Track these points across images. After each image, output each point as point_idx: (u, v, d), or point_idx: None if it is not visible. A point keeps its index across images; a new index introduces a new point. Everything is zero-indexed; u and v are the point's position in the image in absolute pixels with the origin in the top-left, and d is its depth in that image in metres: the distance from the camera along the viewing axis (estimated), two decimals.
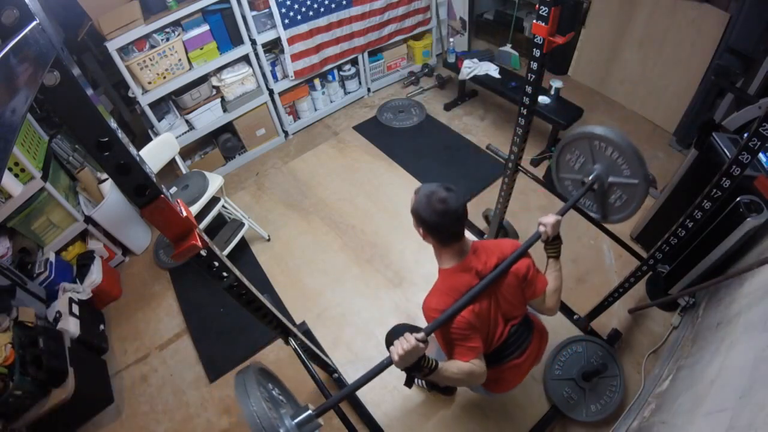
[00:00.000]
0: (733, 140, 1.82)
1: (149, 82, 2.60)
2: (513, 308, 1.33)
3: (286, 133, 3.53)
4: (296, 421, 1.10)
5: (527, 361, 1.43)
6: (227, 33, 2.78)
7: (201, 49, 2.71)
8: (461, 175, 3.01)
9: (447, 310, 1.17)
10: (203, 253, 1.02)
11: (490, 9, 4.12)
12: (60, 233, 2.42)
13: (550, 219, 1.35)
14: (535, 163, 3.05)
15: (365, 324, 2.28)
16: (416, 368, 1.12)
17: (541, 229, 1.38)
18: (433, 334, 1.19)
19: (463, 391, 1.97)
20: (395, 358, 1.08)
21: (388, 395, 2.00)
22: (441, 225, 1.17)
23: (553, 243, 1.38)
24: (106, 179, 2.62)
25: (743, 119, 1.95)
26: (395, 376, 2.05)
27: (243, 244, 2.72)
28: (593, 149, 1.55)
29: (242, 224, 2.60)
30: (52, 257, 2.32)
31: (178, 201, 0.95)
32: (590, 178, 1.57)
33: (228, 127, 3.21)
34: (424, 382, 1.97)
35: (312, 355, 1.78)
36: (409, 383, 1.39)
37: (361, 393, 1.98)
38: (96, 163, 2.35)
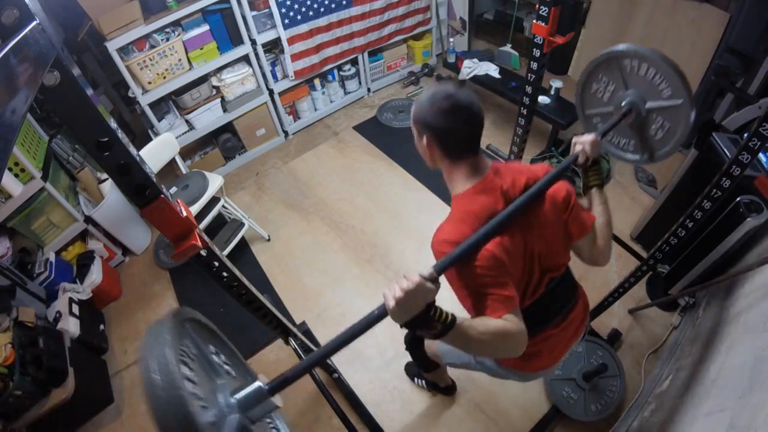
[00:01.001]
0: (733, 140, 1.83)
1: (149, 82, 2.60)
2: (552, 252, 1.03)
3: (286, 133, 3.53)
4: (239, 396, 0.75)
5: (567, 330, 1.13)
6: (227, 33, 2.78)
7: (201, 49, 2.71)
8: None
9: (465, 241, 0.86)
10: (203, 253, 1.02)
11: (490, 9, 4.12)
12: (60, 233, 2.42)
13: (588, 137, 1.09)
14: (535, 163, 3.04)
15: None
16: (422, 322, 0.78)
17: (578, 148, 1.10)
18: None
19: (464, 391, 1.97)
20: (390, 303, 0.75)
21: (388, 395, 2.00)
22: (450, 128, 0.93)
23: (594, 168, 1.12)
24: (106, 179, 2.62)
25: (743, 119, 1.95)
26: (395, 375, 2.05)
27: (243, 244, 2.72)
28: (624, 72, 1.31)
29: (242, 224, 2.60)
30: (52, 257, 2.32)
31: (178, 201, 0.95)
32: (623, 104, 1.32)
33: (228, 127, 3.21)
34: (423, 381, 1.97)
35: None
36: (411, 348, 0.85)
37: (361, 393, 1.98)
38: (96, 163, 2.35)
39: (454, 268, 0.86)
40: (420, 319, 0.77)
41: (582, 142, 1.10)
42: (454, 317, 0.81)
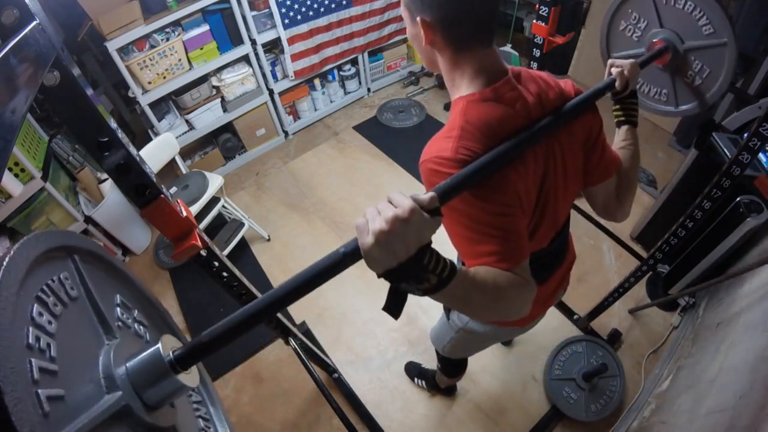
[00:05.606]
0: (733, 140, 1.83)
1: (149, 82, 2.60)
2: (566, 197, 0.84)
3: (286, 133, 3.53)
4: (131, 364, 0.51)
5: (551, 283, 1.01)
6: (227, 33, 2.78)
7: (201, 49, 2.71)
8: None
9: (477, 160, 0.61)
10: (203, 253, 1.02)
11: None
12: None
13: (628, 60, 0.91)
14: None
15: (365, 324, 2.28)
16: (411, 272, 0.52)
17: (615, 71, 0.90)
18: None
19: (464, 392, 1.97)
20: (367, 240, 0.50)
21: (388, 395, 2.00)
22: (453, 2, 0.68)
23: (630, 100, 0.94)
24: (106, 179, 2.62)
25: (743, 119, 1.94)
26: (395, 375, 2.05)
27: (243, 244, 2.72)
28: (658, 4, 1.15)
29: (242, 224, 2.60)
30: None
31: (178, 201, 0.95)
32: (658, 41, 1.17)
33: (228, 127, 3.21)
34: (423, 381, 1.97)
35: (312, 355, 1.78)
36: (392, 307, 0.58)
37: (361, 393, 1.98)
38: (96, 163, 2.35)
39: (459, 196, 0.60)
40: (408, 268, 0.51)
41: (621, 65, 0.90)
42: (453, 266, 0.56)
